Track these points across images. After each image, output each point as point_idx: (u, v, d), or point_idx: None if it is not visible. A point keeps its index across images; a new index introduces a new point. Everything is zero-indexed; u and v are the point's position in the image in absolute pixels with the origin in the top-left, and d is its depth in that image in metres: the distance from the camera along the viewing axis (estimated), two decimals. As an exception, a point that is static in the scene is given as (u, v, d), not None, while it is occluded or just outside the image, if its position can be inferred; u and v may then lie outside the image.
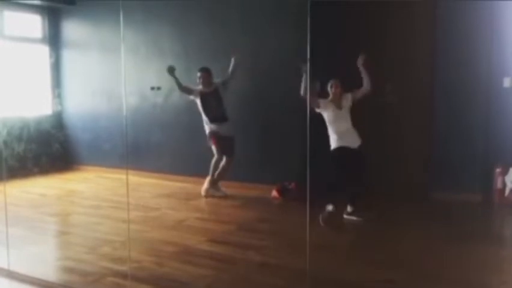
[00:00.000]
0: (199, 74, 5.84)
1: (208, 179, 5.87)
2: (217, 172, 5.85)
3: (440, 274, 3.51)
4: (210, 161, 5.95)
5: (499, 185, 5.21)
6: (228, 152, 5.83)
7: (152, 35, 6.89)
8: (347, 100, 4.94)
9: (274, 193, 5.77)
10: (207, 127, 5.87)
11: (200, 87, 5.85)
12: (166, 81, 6.74)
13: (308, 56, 3.50)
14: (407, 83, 5.57)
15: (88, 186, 6.74)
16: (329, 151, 4.94)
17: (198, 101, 5.84)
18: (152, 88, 6.71)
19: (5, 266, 3.70)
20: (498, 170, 5.20)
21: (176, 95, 6.62)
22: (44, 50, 7.65)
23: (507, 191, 5.15)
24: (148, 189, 6.20)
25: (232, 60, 5.78)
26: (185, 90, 5.85)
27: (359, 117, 5.62)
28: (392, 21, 5.49)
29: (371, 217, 4.83)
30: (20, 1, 7.08)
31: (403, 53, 5.54)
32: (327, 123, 4.91)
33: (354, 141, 4.87)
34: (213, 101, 5.83)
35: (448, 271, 3.55)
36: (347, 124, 4.91)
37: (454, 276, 3.46)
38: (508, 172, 5.15)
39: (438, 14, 5.41)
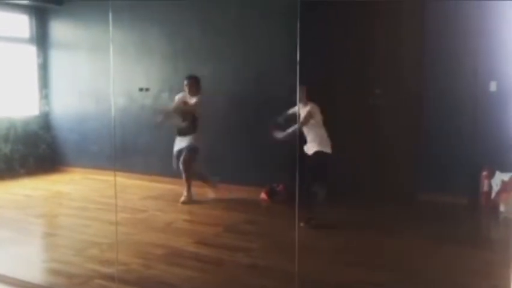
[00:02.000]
0: (186, 82, 5.75)
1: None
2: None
3: (428, 276, 3.53)
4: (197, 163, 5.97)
5: (485, 187, 5.25)
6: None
7: (141, 36, 6.85)
8: (310, 111, 4.84)
9: (262, 195, 5.77)
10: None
11: (186, 95, 5.77)
12: (155, 83, 6.74)
13: (298, 58, 3.51)
14: (395, 85, 5.62)
15: (75, 188, 6.69)
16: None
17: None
18: (141, 89, 6.69)
19: (-10, 268, 3.66)
20: (484, 173, 5.25)
21: (165, 97, 6.60)
22: (32, 50, 7.59)
23: (493, 194, 5.20)
24: (135, 191, 6.17)
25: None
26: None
27: (347, 120, 5.68)
28: (381, 24, 5.53)
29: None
30: (7, 1, 7.01)
31: (392, 56, 5.58)
32: None
33: (311, 148, 4.89)
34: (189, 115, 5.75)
35: (436, 273, 3.58)
36: (307, 134, 4.89)
37: (442, 279, 3.48)
38: (494, 175, 5.19)
39: (426, 17, 5.46)
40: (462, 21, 5.21)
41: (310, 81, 5.35)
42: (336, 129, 5.69)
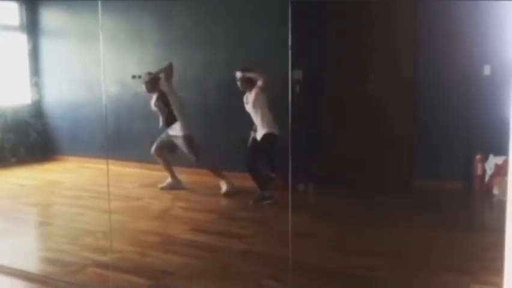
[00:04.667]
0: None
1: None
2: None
3: (422, 260, 3.55)
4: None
5: (479, 171, 5.27)
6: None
7: (134, 23, 6.78)
8: (251, 97, 5.09)
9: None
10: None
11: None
12: (148, 70, 6.67)
13: (289, 42, 3.48)
14: (389, 73, 5.60)
15: (69, 177, 6.66)
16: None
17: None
18: (134, 77, 6.63)
19: (-15, 258, 3.65)
20: (478, 156, 5.26)
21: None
22: (22, 38, 7.49)
23: (486, 178, 5.21)
24: (130, 179, 6.15)
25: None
26: None
27: (340, 108, 5.68)
28: (375, 11, 5.48)
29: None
30: (-4, -12, 6.93)
31: (386, 43, 5.55)
32: None
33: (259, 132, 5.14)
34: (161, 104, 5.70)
35: (431, 257, 3.60)
36: (255, 119, 5.14)
37: (436, 262, 3.50)
38: (488, 159, 5.21)
39: (419, 2, 5.42)
40: (456, 5, 5.17)
41: (305, 67, 5.34)
42: (331, 118, 5.72)
